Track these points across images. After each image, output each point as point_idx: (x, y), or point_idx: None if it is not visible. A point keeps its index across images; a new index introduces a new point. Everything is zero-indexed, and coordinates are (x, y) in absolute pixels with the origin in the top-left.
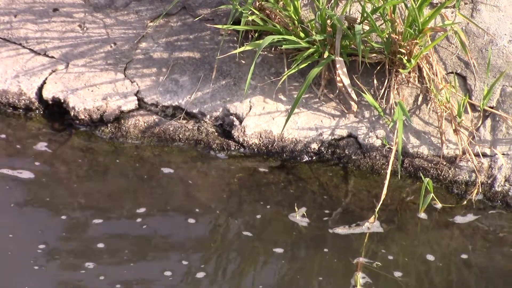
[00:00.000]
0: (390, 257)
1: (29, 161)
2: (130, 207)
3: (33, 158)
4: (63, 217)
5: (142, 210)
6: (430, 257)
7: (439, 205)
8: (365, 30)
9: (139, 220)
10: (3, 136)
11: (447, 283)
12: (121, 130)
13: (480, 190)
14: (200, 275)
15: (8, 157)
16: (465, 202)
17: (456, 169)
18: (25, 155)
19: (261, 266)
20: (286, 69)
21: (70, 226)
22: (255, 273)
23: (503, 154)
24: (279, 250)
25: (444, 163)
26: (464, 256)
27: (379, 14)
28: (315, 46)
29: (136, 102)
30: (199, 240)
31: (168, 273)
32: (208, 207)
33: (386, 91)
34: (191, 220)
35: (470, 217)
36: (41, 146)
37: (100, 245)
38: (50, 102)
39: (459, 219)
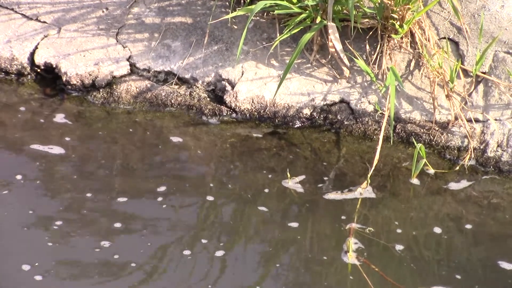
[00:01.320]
0: (382, 223)
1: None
2: (121, 173)
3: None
4: (59, 188)
5: (135, 171)
6: (423, 223)
7: (431, 171)
8: None
9: (127, 183)
10: None
11: (439, 248)
12: (113, 96)
13: (473, 156)
14: (183, 237)
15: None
16: (457, 168)
17: (449, 134)
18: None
19: (253, 232)
20: (278, 35)
21: (66, 198)
22: (247, 239)
23: (496, 119)
24: (271, 215)
25: (437, 129)
26: (456, 221)
27: None
28: (307, 11)
29: (128, 67)
30: (190, 206)
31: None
32: (200, 173)
33: (379, 57)
34: (185, 185)
35: (463, 183)
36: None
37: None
38: (42, 67)
39: (451, 184)
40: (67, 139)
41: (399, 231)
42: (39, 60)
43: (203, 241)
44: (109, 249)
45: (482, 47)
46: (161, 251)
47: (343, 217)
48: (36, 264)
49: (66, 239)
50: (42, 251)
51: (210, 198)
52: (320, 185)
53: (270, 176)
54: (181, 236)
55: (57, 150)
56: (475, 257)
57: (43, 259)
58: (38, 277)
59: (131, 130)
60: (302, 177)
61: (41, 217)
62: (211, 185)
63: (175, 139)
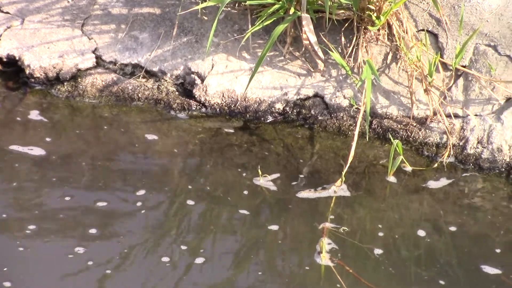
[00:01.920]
0: (357, 223)
1: None
2: (86, 169)
3: None
4: (28, 178)
5: (100, 168)
6: (400, 223)
7: (409, 168)
8: None
9: (93, 182)
10: None
11: (416, 250)
12: (78, 89)
13: (452, 153)
14: (155, 239)
15: None
16: (436, 165)
17: (427, 130)
18: None
19: (223, 232)
20: (250, 26)
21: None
22: (216, 238)
23: (476, 115)
24: (242, 215)
25: (414, 124)
26: (435, 221)
27: None
28: (280, 2)
29: (94, 59)
30: (157, 204)
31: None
32: (168, 170)
33: (354, 49)
34: (153, 182)
35: (442, 181)
36: None
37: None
38: (5, 60)
39: (430, 183)
40: (29, 134)
41: (374, 231)
42: (1, 52)
43: (169, 240)
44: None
45: (462, 39)
46: (130, 252)
47: (316, 217)
48: (5, 269)
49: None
50: (12, 257)
51: (178, 196)
52: (293, 183)
53: (241, 173)
54: (146, 238)
55: (16, 146)
56: (455, 260)
57: (12, 265)
58: (7, 284)
59: (96, 125)
60: (274, 175)
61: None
62: (179, 182)
63: (142, 134)
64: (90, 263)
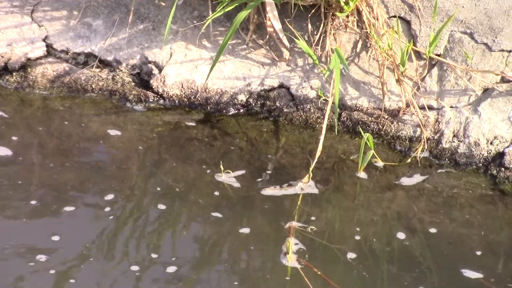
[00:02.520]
0: (326, 222)
1: None
2: (37, 167)
3: None
4: None
5: (51, 166)
6: (371, 222)
7: (380, 163)
8: None
9: (43, 181)
10: None
11: (390, 251)
12: (28, 80)
13: (426, 147)
14: (106, 242)
15: None
16: (409, 160)
17: (399, 123)
18: None
19: (183, 232)
20: (210, 12)
21: None
22: (176, 240)
23: (451, 107)
24: (203, 214)
25: (386, 117)
26: (409, 220)
27: None
28: None
29: (45, 48)
30: (110, 203)
31: (56, 238)
32: (123, 166)
33: (322, 37)
34: (107, 180)
35: (415, 177)
36: None
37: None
38: None
39: (403, 179)
40: None
41: (344, 230)
42: None
43: (125, 241)
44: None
45: (436, 26)
46: (73, 249)
47: (282, 215)
48: None
49: None
50: None
51: (134, 194)
52: (257, 179)
53: (202, 169)
54: (99, 239)
55: None
56: (433, 263)
57: None
58: None
59: (47, 118)
60: (237, 171)
61: None
62: (136, 180)
63: (96, 128)
64: (52, 271)
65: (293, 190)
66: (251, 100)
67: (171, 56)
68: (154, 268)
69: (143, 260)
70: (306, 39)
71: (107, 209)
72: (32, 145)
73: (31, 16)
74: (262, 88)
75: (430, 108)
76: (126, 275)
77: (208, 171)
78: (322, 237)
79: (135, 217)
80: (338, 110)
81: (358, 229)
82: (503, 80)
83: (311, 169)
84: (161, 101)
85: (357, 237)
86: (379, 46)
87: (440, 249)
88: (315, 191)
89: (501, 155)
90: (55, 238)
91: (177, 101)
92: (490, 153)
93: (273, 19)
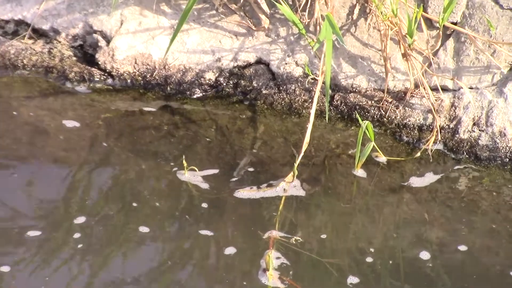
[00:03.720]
0: (314, 231)
1: None
2: None
3: None
4: None
5: None
6: (370, 232)
7: (382, 159)
8: None
9: None
10: None
11: (391, 271)
12: None
13: (439, 138)
14: (45, 252)
15: None
16: (418, 154)
17: (406, 108)
18: None
19: (137, 245)
20: None
21: None
22: (129, 254)
23: (471, 88)
24: (162, 221)
25: (390, 100)
26: (416, 230)
27: None
28: None
29: None
30: (48, 206)
31: None
32: (62, 161)
33: (310, 0)
34: (42, 178)
35: (427, 176)
36: None
37: None
38: None
39: (410, 178)
40: None
41: (337, 242)
42: None
43: (64, 257)
44: None
45: None
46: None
47: (260, 223)
48: None
49: None
50: None
51: (76, 197)
52: (229, 178)
53: (160, 166)
54: (41, 252)
55: None
56: (448, 280)
57: None
58: None
59: None
60: (204, 168)
61: None
62: (77, 179)
63: (28, 114)
64: None
65: (274, 192)
66: (221, 79)
67: (121, 24)
68: None
69: (84, 283)
70: (290, 3)
71: (38, 219)
72: None
73: None
74: (235, 64)
75: (445, 89)
76: None
77: (168, 168)
78: (310, 250)
79: (73, 227)
80: (329, 91)
81: (353, 239)
82: None
83: (296, 165)
84: (110, 81)
85: (352, 250)
86: (381, 12)
87: (457, 267)
88: (301, 192)
89: None
90: None
91: (129, 81)
92: None
93: None
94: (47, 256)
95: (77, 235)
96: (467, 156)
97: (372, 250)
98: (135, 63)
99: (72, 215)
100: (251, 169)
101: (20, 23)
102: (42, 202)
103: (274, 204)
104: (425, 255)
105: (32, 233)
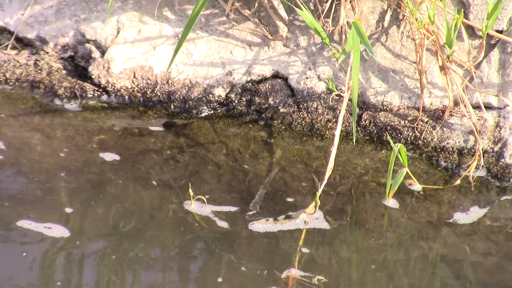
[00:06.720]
0: (340, 269)
1: None
2: None
3: None
4: None
5: None
6: (404, 270)
7: (417, 187)
8: None
9: None
10: None
11: None
12: None
13: (482, 163)
14: None
15: None
16: (458, 182)
17: (444, 129)
18: None
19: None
20: None
21: None
22: None
23: None
24: (165, 259)
25: (426, 120)
26: (456, 268)
27: None
28: None
29: None
30: (32, 243)
31: None
32: (48, 190)
33: (334, 5)
34: (24, 222)
35: (469, 208)
36: None
37: None
38: None
39: (449, 210)
40: None
41: (364, 282)
42: None
43: None
44: None
45: None
46: None
47: (278, 260)
48: None
49: None
50: None
51: (65, 231)
52: (242, 208)
53: (162, 195)
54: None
55: None
56: None
57: None
58: None
59: None
60: (213, 197)
61: None
62: (67, 210)
63: (11, 135)
64: None
65: (293, 225)
66: (232, 95)
67: (118, 32)
68: None
69: None
70: (312, 8)
71: (28, 252)
72: None
73: None
74: (248, 79)
75: (488, 107)
76: None
77: (172, 197)
78: None
79: (67, 264)
80: (357, 110)
81: (385, 280)
82: None
83: (318, 194)
84: (105, 97)
85: None
86: (416, 19)
87: None
88: (324, 225)
89: None
90: None
91: (127, 97)
92: None
93: None
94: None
95: (65, 274)
96: None
97: (401, 287)
98: (134, 77)
99: (60, 251)
100: (267, 199)
101: (2, 31)
102: (29, 230)
103: (294, 239)
104: None
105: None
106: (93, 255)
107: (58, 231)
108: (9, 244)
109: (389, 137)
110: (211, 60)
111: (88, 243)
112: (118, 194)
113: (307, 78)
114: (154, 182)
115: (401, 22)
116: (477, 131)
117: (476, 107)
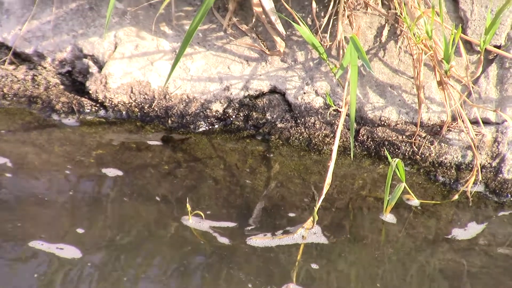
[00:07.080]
0: (337, 284)
1: None
2: None
3: None
4: None
5: None
6: (401, 286)
7: (415, 202)
8: None
9: None
10: None
11: None
12: None
13: (480, 178)
14: None
15: None
16: (456, 197)
17: (442, 144)
18: None
19: None
20: None
21: None
22: None
23: None
24: (162, 274)
25: (423, 135)
26: (454, 283)
27: None
28: None
29: None
30: (29, 260)
31: None
32: (46, 205)
33: (332, 21)
34: (21, 229)
35: (467, 224)
36: None
37: None
38: None
39: (447, 225)
40: None
41: None
42: None
43: None
44: None
45: (495, 5)
46: None
47: (275, 275)
48: None
49: None
50: None
51: (67, 248)
52: (239, 224)
53: (160, 210)
54: None
55: None
56: None
57: None
58: None
59: None
60: (211, 212)
61: None
62: (65, 225)
63: (9, 150)
64: None
65: (290, 240)
66: (230, 110)
67: (116, 47)
68: None
69: None
70: (309, 23)
71: (26, 269)
72: None
73: None
74: (246, 94)
75: (486, 122)
76: None
77: (170, 212)
78: None
79: (67, 279)
80: (354, 125)
81: None
82: None
83: (316, 209)
84: (102, 112)
85: None
86: (414, 34)
87: None
88: (322, 240)
89: None
90: None
91: (124, 112)
92: None
93: None
94: None
95: None
96: (511, 199)
97: None
98: (131, 92)
99: (58, 264)
100: (265, 214)
101: (0, 46)
102: (27, 247)
103: (291, 254)
104: None
105: None
106: (96, 267)
107: (54, 247)
108: None
109: (386, 152)
110: (209, 75)
111: (90, 256)
112: (115, 209)
113: (304, 93)
114: (151, 197)
115: (399, 37)
116: (475, 146)
117: (474, 122)
